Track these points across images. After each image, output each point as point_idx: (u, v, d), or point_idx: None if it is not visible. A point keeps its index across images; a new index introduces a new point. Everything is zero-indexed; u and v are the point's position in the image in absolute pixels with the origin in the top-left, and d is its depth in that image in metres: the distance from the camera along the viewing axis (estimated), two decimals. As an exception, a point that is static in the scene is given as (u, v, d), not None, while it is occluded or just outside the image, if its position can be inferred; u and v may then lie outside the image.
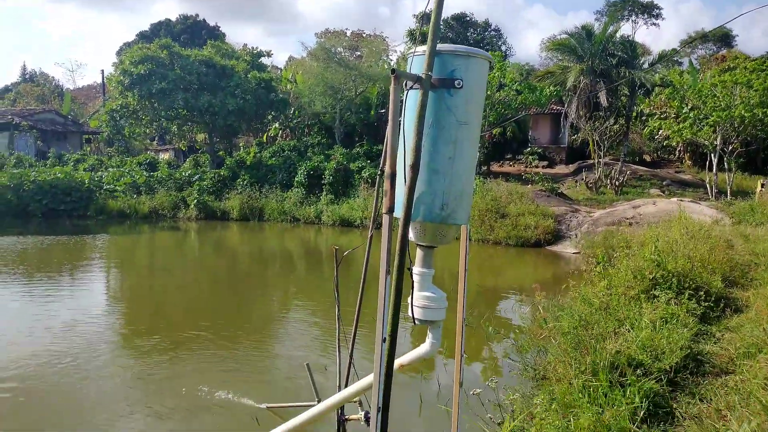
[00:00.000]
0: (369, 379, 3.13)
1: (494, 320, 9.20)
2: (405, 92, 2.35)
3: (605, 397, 4.36)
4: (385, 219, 2.17)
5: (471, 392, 4.93)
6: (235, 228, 23.45)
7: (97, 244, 18.59)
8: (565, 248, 16.58)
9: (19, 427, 5.39)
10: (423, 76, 2.24)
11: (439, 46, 2.35)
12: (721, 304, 6.98)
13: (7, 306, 10.16)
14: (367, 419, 4.82)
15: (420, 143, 2.18)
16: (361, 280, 4.78)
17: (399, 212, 2.26)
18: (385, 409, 2.27)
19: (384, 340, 2.24)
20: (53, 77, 66.36)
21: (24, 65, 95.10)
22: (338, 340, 5.17)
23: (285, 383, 6.70)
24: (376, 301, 2.20)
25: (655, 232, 9.45)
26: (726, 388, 4.42)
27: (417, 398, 5.85)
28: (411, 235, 2.50)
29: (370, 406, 5.04)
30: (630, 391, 4.31)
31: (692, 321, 6.15)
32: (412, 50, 2.45)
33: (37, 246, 17.33)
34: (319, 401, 5.17)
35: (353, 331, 4.99)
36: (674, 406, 4.36)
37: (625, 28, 50.41)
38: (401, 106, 2.33)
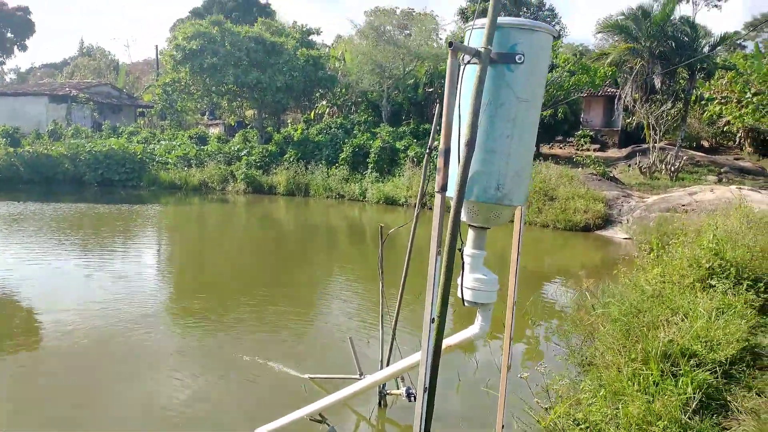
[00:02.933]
0: (415, 357, 3.12)
1: (539, 303, 9.09)
2: (462, 67, 2.26)
3: (656, 386, 4.24)
4: (437, 198, 2.12)
5: (518, 375, 4.88)
6: (282, 202, 23.77)
7: (149, 213, 19.17)
8: (616, 233, 16.17)
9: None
10: (482, 49, 2.14)
11: (501, 19, 2.23)
12: (783, 297, 6.67)
13: (68, 269, 10.65)
14: (408, 395, 4.85)
15: (476, 120, 2.10)
16: (406, 260, 4.77)
17: (452, 191, 2.19)
18: (432, 390, 2.25)
19: (432, 321, 2.20)
20: (109, 52, 68.14)
21: (81, 40, 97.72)
22: (381, 316, 5.19)
23: (328, 354, 6.79)
24: (419, 280, 2.18)
25: (713, 220, 9.09)
26: (786, 384, 4.24)
27: (455, 376, 5.83)
28: (463, 215, 2.43)
29: (411, 383, 5.07)
30: (682, 382, 4.18)
31: (750, 313, 5.91)
32: (471, 23, 2.33)
33: (93, 213, 18.00)
34: (361, 374, 5.22)
35: (396, 309, 5.00)
36: (729, 398, 4.21)
37: (686, 9, 48.33)
38: (459, 80, 2.26)
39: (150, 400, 5.33)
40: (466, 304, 2.61)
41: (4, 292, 8.94)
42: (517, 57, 2.22)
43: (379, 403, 5.18)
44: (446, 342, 2.69)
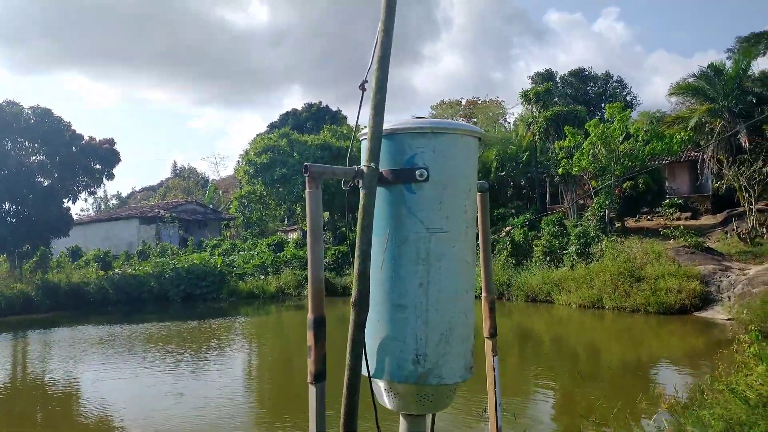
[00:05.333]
0: None
1: (629, 409, 7.86)
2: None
3: None
4: (311, 392, 1.44)
5: None
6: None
7: (225, 326, 19.15)
8: (717, 314, 14.37)
9: None
10: (364, 168, 1.54)
11: (392, 124, 1.64)
12: None
13: (155, 384, 10.85)
14: None
15: (366, 268, 1.46)
16: None
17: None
18: None
19: None
20: (200, 171, 73.07)
21: (174, 162, 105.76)
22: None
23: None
24: None
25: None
26: None
27: None
28: (384, 400, 1.70)
29: None
30: None
31: None
32: (363, 131, 1.72)
33: (173, 330, 18.17)
34: None
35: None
36: None
37: (763, 63, 46.03)
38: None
39: None
40: None
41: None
42: (417, 173, 1.59)
43: None
44: None
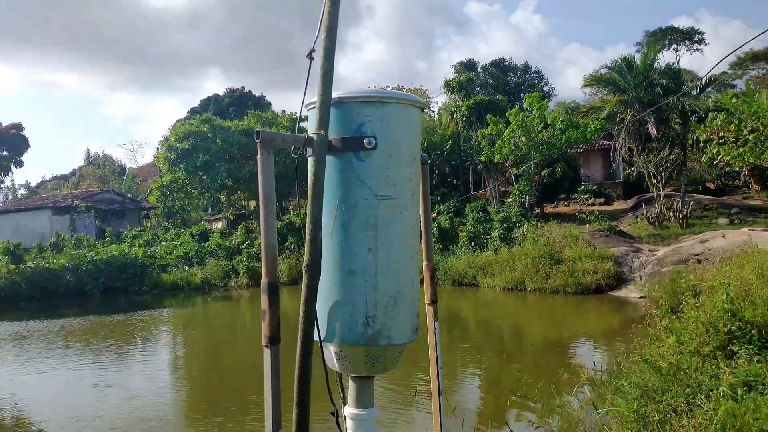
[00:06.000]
0: None
1: (553, 384, 8.26)
2: (296, 159, 1.68)
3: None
4: (266, 355, 1.46)
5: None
6: (285, 292, 23.07)
7: (151, 320, 18.46)
8: (630, 293, 15.27)
9: None
10: (314, 136, 1.55)
11: (340, 93, 1.66)
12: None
13: (79, 379, 10.43)
14: None
15: (318, 234, 1.49)
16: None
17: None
18: None
19: None
20: (116, 159, 69.71)
21: (88, 149, 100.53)
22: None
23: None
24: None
25: (725, 273, 8.32)
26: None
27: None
28: (333, 363, 1.74)
29: None
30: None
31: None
32: (311, 102, 1.70)
33: (95, 324, 17.33)
34: None
35: None
36: None
37: (669, 57, 48.99)
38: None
39: None
40: None
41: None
42: (365, 141, 1.63)
43: None
44: None
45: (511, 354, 10.43)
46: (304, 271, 1.48)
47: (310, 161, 1.60)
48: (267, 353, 1.44)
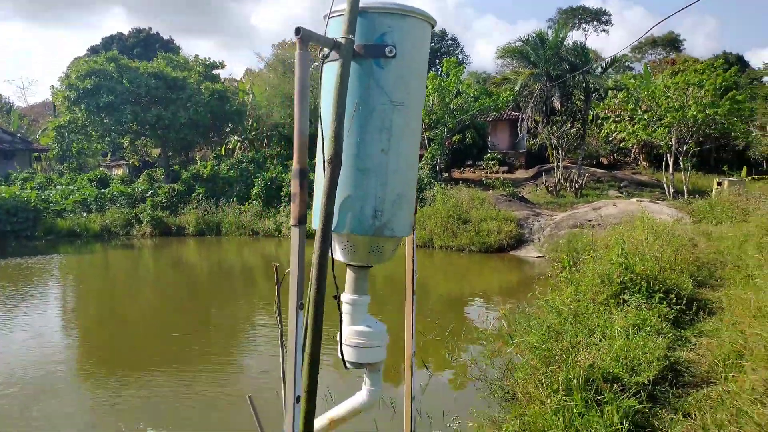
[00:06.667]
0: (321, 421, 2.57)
1: (463, 329, 8.81)
2: (321, 65, 1.82)
3: (581, 417, 3.94)
4: (294, 234, 1.62)
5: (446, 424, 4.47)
6: (192, 244, 22.58)
7: (44, 266, 17.51)
8: (529, 252, 16.34)
9: None
10: (341, 40, 1.70)
11: (364, 3, 1.80)
12: (694, 307, 6.69)
13: None
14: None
15: (341, 131, 1.66)
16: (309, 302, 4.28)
17: (316, 223, 1.74)
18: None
19: (297, 400, 1.69)
20: (4, 96, 63.90)
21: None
22: (282, 370, 4.65)
23: (233, 413, 6.14)
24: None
25: (619, 234, 9.19)
26: (710, 401, 4.06)
27: (371, 422, 5.35)
28: (337, 253, 1.95)
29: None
30: (608, 411, 3.91)
31: (666, 326, 5.82)
32: (329, 11, 1.83)
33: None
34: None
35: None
36: (656, 424, 3.97)
37: (577, 35, 51.42)
38: (320, 82, 1.82)
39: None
40: (348, 366, 2.06)
41: None
42: (387, 49, 1.77)
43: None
44: (329, 415, 2.18)
45: (419, 310, 10.89)
46: (327, 164, 1.65)
47: (336, 64, 1.73)
48: (295, 231, 1.61)
